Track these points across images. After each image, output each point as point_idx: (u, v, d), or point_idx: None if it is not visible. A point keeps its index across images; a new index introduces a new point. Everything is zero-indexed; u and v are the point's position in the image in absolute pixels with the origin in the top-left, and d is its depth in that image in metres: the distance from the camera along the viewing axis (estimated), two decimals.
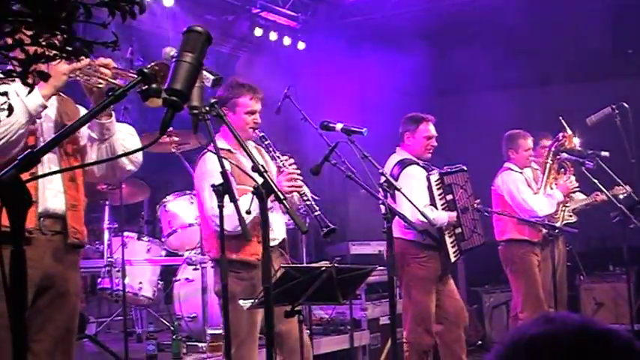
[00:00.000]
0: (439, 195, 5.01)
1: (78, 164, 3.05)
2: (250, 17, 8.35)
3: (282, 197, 2.65)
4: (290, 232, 4.46)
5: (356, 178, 3.89)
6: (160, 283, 6.16)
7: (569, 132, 5.97)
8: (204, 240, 4.47)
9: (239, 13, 8.34)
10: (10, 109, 1.66)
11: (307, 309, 5.50)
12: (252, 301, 3.26)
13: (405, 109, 5.53)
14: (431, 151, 5.15)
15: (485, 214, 5.52)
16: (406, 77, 8.93)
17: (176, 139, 5.49)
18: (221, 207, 2.94)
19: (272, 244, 3.83)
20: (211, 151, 2.84)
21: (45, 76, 1.44)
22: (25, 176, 1.44)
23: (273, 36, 8.49)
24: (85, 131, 3.06)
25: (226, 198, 2.92)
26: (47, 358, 2.92)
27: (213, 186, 3.00)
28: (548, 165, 6.03)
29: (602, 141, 5.91)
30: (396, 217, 4.05)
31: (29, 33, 1.33)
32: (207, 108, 2.78)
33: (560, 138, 5.97)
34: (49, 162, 2.91)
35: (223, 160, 2.88)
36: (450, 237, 5.03)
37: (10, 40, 1.33)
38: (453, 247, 5.04)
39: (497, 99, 8.49)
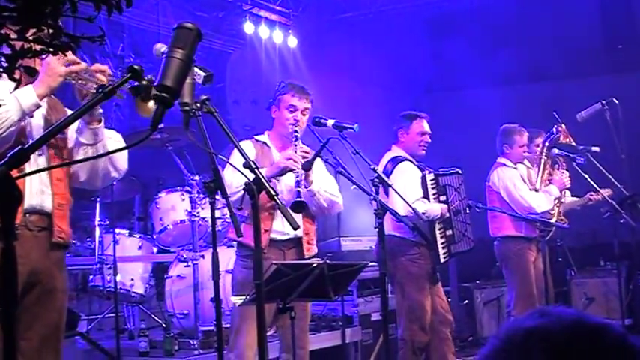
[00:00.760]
0: (433, 195, 5.02)
1: (64, 163, 3.05)
2: (241, 13, 8.34)
3: (273, 194, 2.65)
4: None
5: (347, 174, 3.89)
6: (152, 279, 6.15)
7: (564, 126, 5.95)
8: None
9: (230, 9, 8.33)
10: None
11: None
12: (244, 297, 3.27)
13: (396, 104, 5.55)
14: (425, 147, 5.16)
15: (477, 209, 5.51)
16: (397, 73, 8.95)
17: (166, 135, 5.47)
18: (212, 203, 2.94)
19: (281, 237, 3.95)
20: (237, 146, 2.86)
21: (32, 72, 1.44)
22: (13, 173, 1.44)
23: (264, 32, 8.48)
24: (73, 135, 3.08)
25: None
26: (35, 356, 2.91)
27: (204, 183, 3.00)
28: (542, 161, 5.97)
29: (592, 137, 5.92)
30: (388, 213, 4.06)
31: (15, 28, 1.32)
32: (198, 104, 2.77)
33: (555, 132, 5.93)
34: (37, 162, 2.91)
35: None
36: (441, 237, 5.04)
37: None
38: (443, 247, 5.05)
39: (488, 95, 8.52)
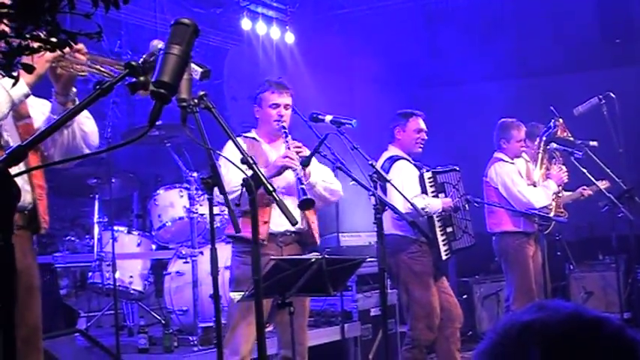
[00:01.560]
0: (432, 193, 5.03)
1: (38, 152, 2.98)
2: (238, 10, 8.32)
3: (271, 189, 2.65)
4: None
5: (346, 170, 3.90)
6: (151, 276, 6.15)
7: (561, 120, 5.94)
8: None
9: (227, 6, 8.32)
10: None
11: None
12: (243, 293, 3.27)
13: (394, 100, 5.55)
14: (421, 145, 5.17)
15: (475, 204, 5.51)
16: (395, 68, 8.94)
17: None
18: (210, 199, 2.94)
19: (280, 230, 3.96)
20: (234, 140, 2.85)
21: (30, 69, 1.44)
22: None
23: (261, 28, 8.47)
24: (41, 118, 3.00)
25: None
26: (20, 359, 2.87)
27: (202, 179, 2.99)
28: (540, 155, 5.97)
29: (590, 131, 5.92)
30: (388, 212, 4.07)
31: (13, 25, 1.32)
32: (196, 100, 2.77)
33: (552, 127, 5.92)
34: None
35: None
36: (441, 235, 5.04)
37: None
38: (444, 244, 5.05)
39: (486, 89, 8.52)
